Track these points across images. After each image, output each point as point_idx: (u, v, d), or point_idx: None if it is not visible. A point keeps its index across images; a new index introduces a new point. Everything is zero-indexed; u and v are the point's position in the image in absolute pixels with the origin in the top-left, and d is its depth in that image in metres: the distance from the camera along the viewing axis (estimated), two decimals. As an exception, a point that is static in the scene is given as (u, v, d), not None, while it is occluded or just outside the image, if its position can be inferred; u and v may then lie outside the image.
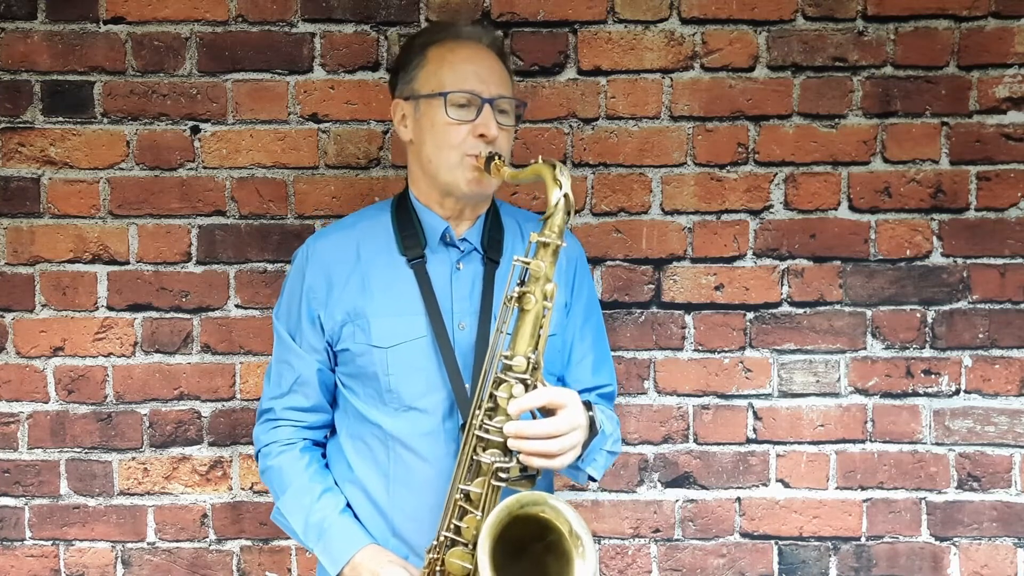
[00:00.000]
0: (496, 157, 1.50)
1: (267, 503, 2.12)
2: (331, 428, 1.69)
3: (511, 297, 1.45)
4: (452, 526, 1.47)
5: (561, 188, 1.42)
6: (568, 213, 1.44)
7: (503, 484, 1.43)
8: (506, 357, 1.44)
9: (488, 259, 1.61)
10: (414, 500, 1.55)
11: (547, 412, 1.44)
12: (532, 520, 1.40)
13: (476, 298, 1.59)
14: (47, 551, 2.12)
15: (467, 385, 1.53)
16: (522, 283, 1.45)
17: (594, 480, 1.61)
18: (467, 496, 1.45)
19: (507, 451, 1.43)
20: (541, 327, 1.44)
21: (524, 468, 1.43)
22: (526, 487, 1.43)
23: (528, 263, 1.44)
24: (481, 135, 1.52)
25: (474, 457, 1.45)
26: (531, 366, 1.43)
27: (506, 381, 1.43)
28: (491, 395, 1.45)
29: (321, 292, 1.60)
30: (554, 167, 1.43)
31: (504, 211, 1.69)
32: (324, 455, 1.68)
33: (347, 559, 1.53)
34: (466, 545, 1.44)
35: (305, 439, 1.65)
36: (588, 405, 1.51)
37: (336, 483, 1.62)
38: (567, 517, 1.39)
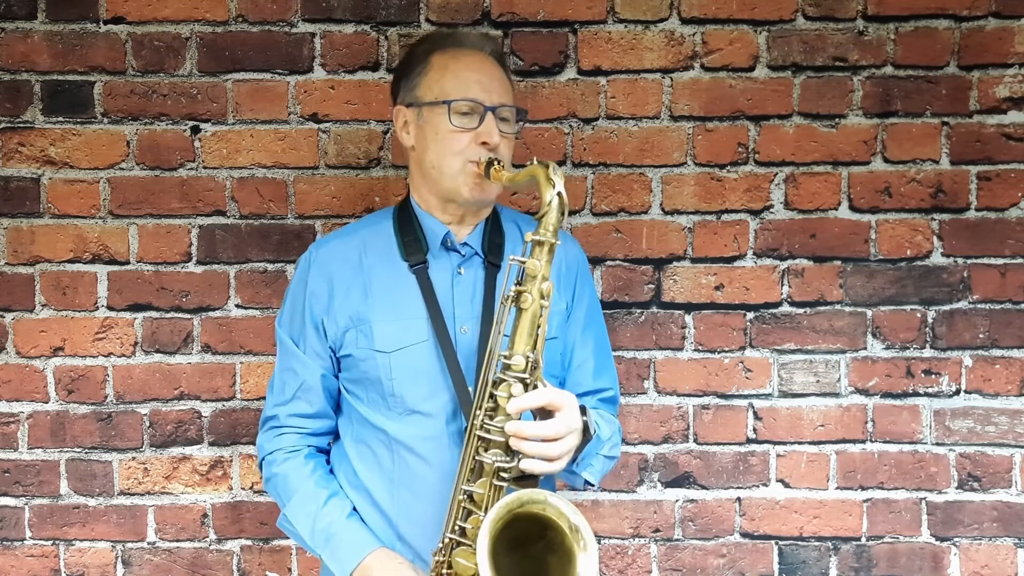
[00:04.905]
0: (495, 162, 1.51)
1: (267, 503, 2.12)
2: (335, 434, 1.69)
3: (508, 297, 1.46)
4: (457, 527, 1.46)
5: (554, 187, 1.44)
6: (562, 212, 1.45)
7: (505, 484, 1.43)
8: (505, 357, 1.44)
9: (489, 263, 1.61)
10: (419, 504, 1.55)
11: (545, 413, 1.44)
12: (533, 518, 1.40)
13: (478, 302, 1.59)
14: (47, 551, 2.12)
15: (470, 388, 1.53)
16: (519, 282, 1.46)
17: (591, 485, 1.61)
18: (470, 497, 1.45)
19: (509, 451, 1.43)
20: (539, 326, 1.44)
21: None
22: (529, 487, 1.43)
23: (524, 262, 1.45)
24: (484, 143, 1.53)
25: (476, 458, 1.45)
26: (530, 365, 1.43)
27: (505, 381, 1.44)
28: (491, 395, 1.45)
29: (324, 298, 1.61)
30: (547, 167, 1.45)
31: (504, 215, 1.70)
32: (328, 461, 1.67)
33: (356, 563, 1.53)
34: (471, 545, 1.44)
35: (309, 446, 1.65)
36: (583, 409, 1.51)
37: (341, 488, 1.62)
38: (566, 513, 1.39)
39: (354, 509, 1.59)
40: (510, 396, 1.42)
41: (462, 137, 1.53)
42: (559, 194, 1.44)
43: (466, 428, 1.50)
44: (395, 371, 1.55)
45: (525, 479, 1.44)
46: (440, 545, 1.48)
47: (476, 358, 1.55)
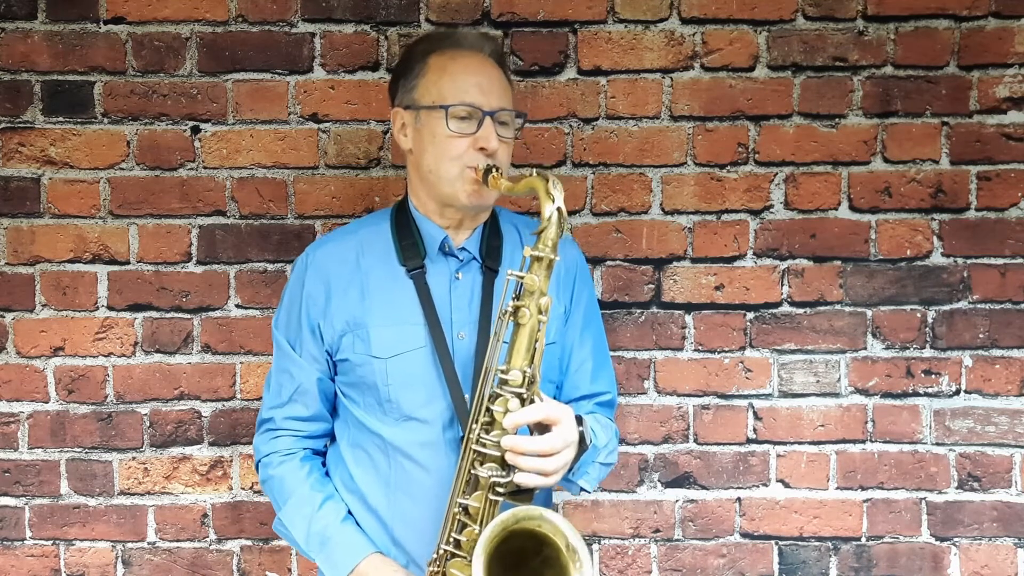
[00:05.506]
0: (494, 169, 1.49)
1: (267, 503, 2.12)
2: (331, 437, 1.68)
3: (506, 311, 1.45)
4: (451, 539, 1.46)
5: (554, 202, 1.42)
6: (561, 227, 1.43)
7: (501, 498, 1.43)
8: (502, 371, 1.43)
9: (487, 268, 1.61)
10: (414, 509, 1.55)
11: (541, 427, 1.44)
12: (529, 535, 1.40)
13: (475, 307, 1.58)
14: (47, 551, 2.12)
15: (466, 395, 1.53)
16: (517, 297, 1.45)
17: (586, 492, 1.60)
18: (465, 510, 1.45)
19: (504, 465, 1.43)
20: (537, 340, 1.43)
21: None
22: (524, 501, 1.43)
23: (522, 277, 1.43)
24: (481, 148, 1.51)
25: (472, 471, 1.44)
26: (527, 380, 1.42)
27: (502, 395, 1.43)
28: (487, 409, 1.44)
29: (320, 301, 1.60)
30: (547, 180, 1.43)
31: (503, 218, 1.69)
32: (324, 464, 1.67)
33: (350, 568, 1.53)
34: (466, 557, 1.44)
35: (305, 449, 1.65)
36: (579, 419, 1.50)
37: (336, 491, 1.61)
38: (564, 531, 1.39)
39: (349, 513, 1.59)
40: (507, 411, 1.41)
41: (460, 142, 1.52)
42: (559, 209, 1.42)
43: (462, 438, 1.49)
44: (391, 377, 1.54)
45: (521, 493, 1.43)
46: (435, 556, 1.48)
47: (473, 365, 1.54)
